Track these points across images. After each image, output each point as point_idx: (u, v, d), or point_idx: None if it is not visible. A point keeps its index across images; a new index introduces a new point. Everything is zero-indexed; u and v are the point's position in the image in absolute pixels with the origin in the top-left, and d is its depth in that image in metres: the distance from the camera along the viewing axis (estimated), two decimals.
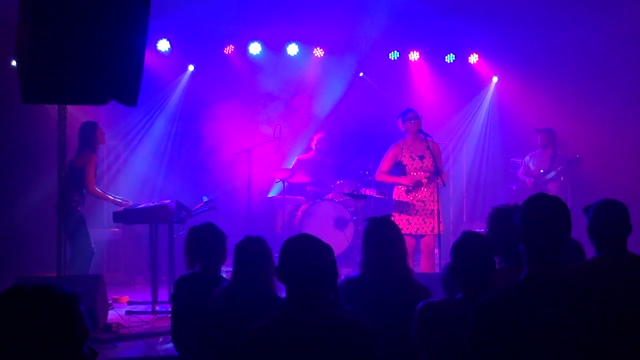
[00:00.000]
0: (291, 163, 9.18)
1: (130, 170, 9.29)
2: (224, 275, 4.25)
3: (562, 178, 8.63)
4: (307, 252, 2.55)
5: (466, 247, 2.97)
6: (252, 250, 3.54)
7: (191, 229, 4.16)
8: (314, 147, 9.21)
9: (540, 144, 8.84)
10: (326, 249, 2.61)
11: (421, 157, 6.77)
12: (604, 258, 3.17)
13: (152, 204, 6.80)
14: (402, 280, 3.52)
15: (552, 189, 8.43)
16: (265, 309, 2.78)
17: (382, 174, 6.88)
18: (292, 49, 9.73)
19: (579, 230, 3.26)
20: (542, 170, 8.69)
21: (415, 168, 6.75)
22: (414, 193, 6.71)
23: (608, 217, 3.19)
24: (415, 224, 6.71)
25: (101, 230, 8.27)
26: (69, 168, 6.65)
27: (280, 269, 2.59)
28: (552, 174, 8.60)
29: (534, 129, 8.95)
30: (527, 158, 8.96)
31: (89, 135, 6.82)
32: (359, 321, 2.59)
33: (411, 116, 6.81)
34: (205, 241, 4.04)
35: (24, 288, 1.82)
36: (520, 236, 2.41)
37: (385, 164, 6.85)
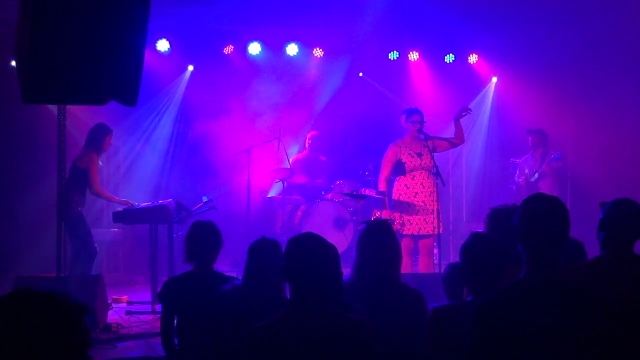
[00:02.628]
0: (289, 163, 9.17)
1: (130, 171, 9.28)
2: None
3: (547, 175, 8.60)
4: (311, 250, 2.56)
5: (476, 248, 2.91)
6: (267, 251, 3.52)
7: (194, 223, 4.13)
8: (307, 145, 9.23)
9: (531, 145, 8.83)
10: (330, 248, 2.62)
11: (419, 155, 6.79)
12: (609, 257, 3.15)
13: (151, 204, 6.80)
14: (393, 283, 3.46)
15: (542, 188, 8.38)
16: (275, 310, 2.77)
17: (382, 182, 6.87)
18: (292, 49, 9.73)
19: (579, 230, 3.25)
20: (533, 171, 8.67)
21: (415, 166, 6.76)
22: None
23: (623, 214, 3.16)
24: (417, 223, 6.72)
25: (101, 230, 8.26)
26: (71, 168, 6.66)
27: (285, 268, 2.59)
28: (535, 175, 8.58)
29: (525, 130, 8.95)
30: (521, 160, 8.96)
31: (99, 138, 6.82)
32: (363, 320, 2.59)
33: (415, 119, 6.81)
34: (205, 237, 4.02)
35: (34, 293, 1.78)
36: (519, 236, 2.40)
37: (386, 167, 6.85)
